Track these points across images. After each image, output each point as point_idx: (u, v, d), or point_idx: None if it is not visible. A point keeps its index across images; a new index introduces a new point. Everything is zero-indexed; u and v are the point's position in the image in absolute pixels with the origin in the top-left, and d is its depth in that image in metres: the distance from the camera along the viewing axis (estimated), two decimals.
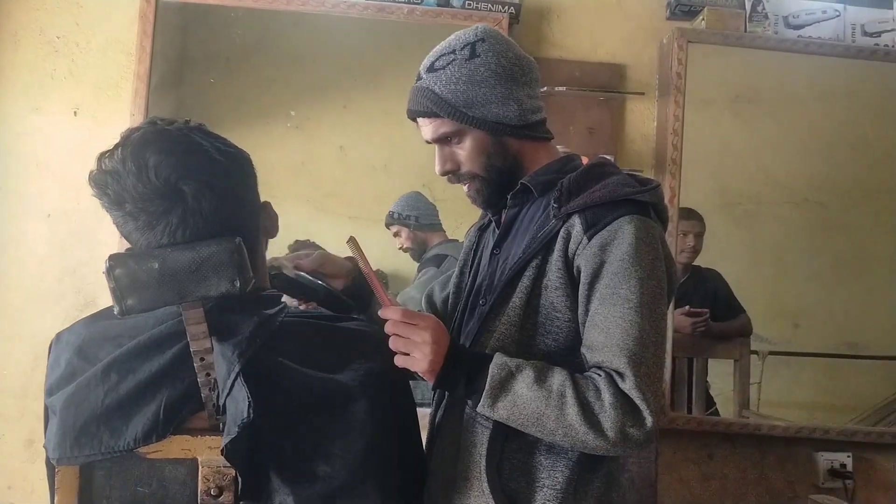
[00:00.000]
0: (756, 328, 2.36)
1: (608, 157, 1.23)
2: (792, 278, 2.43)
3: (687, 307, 2.29)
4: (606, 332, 1.00)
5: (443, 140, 1.15)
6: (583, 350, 1.04)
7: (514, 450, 1.06)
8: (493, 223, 1.24)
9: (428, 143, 1.18)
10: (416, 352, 1.00)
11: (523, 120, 1.14)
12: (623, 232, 1.03)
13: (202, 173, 0.91)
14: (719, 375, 2.41)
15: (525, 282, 1.07)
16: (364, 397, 0.94)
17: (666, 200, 2.17)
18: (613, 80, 2.30)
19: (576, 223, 1.06)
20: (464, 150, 1.15)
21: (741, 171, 2.41)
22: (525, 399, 0.99)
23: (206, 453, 0.92)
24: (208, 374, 0.91)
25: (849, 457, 2.26)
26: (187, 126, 0.95)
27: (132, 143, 0.90)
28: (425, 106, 1.12)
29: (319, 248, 1.89)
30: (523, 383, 0.99)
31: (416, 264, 2.27)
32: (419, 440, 1.11)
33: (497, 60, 1.11)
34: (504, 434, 1.05)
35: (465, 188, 1.20)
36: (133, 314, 0.90)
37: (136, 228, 0.91)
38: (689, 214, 2.31)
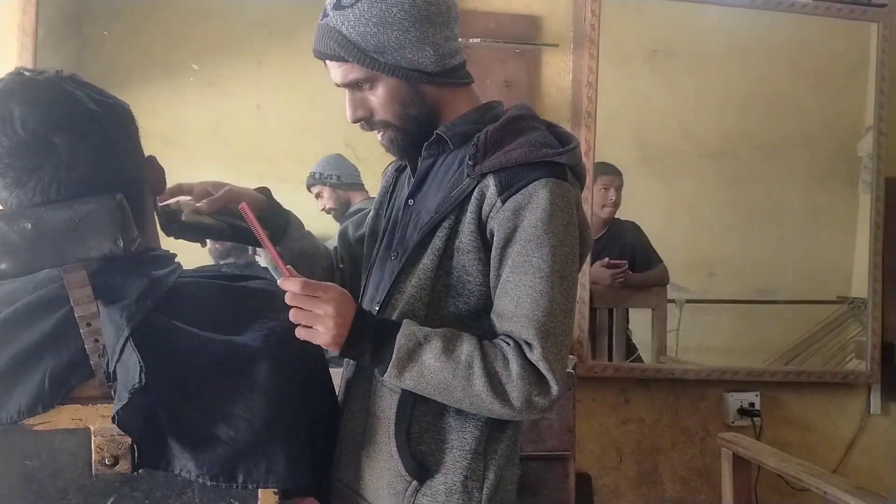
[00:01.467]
0: (674, 278, 2.43)
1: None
2: (708, 229, 2.51)
3: (606, 259, 2.34)
4: (517, 301, 1.00)
5: (353, 85, 1.08)
6: (493, 317, 1.04)
7: (424, 413, 1.05)
8: (409, 169, 1.19)
9: (338, 86, 1.11)
10: (318, 325, 0.96)
11: (441, 65, 1.07)
12: (538, 196, 1.00)
13: (75, 124, 0.85)
14: (640, 324, 2.49)
15: (437, 243, 1.04)
16: (267, 358, 0.91)
17: (582, 154, 2.22)
18: (529, 32, 2.29)
19: (490, 184, 1.02)
20: (376, 98, 1.08)
21: (660, 126, 2.46)
22: (432, 370, 0.98)
23: (99, 422, 0.88)
24: (96, 341, 0.87)
25: (757, 396, 2.39)
26: (58, 75, 0.88)
27: None
28: (332, 49, 1.04)
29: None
30: (431, 354, 0.98)
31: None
32: (332, 398, 1.09)
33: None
34: (413, 398, 1.04)
35: (378, 136, 1.14)
36: (8, 279, 0.85)
37: (4, 186, 0.84)
38: (607, 169, 2.34)
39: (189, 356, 0.88)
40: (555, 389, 0.99)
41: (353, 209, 2.19)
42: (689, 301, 2.45)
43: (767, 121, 2.49)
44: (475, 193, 1.03)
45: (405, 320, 1.02)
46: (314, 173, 2.20)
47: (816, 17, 2.44)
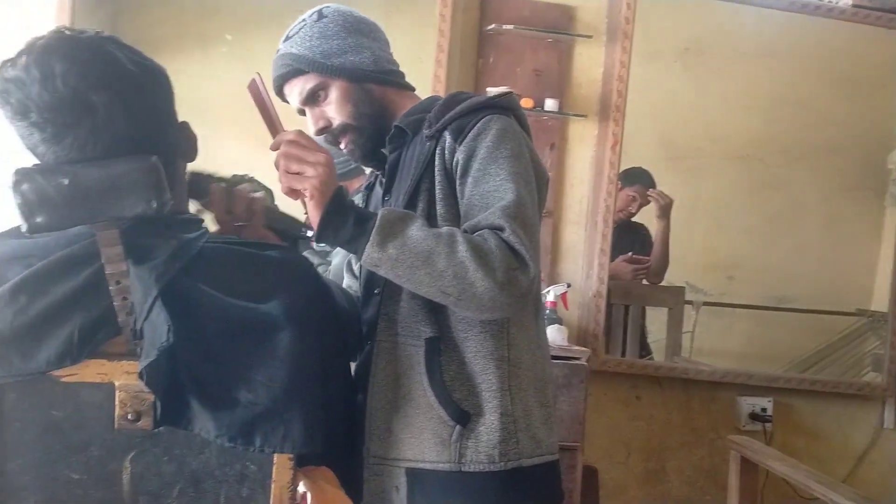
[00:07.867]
0: (692, 279, 2.43)
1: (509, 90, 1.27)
2: (729, 232, 2.50)
3: (630, 254, 2.37)
4: (484, 205, 1.05)
5: (311, 99, 1.20)
6: (464, 227, 1.06)
7: (449, 360, 1.10)
8: (379, 179, 1.28)
9: (300, 112, 1.22)
10: (309, 169, 1.01)
11: (380, 66, 1.22)
12: (487, 126, 1.10)
13: (114, 84, 0.86)
14: (655, 323, 2.49)
15: (421, 205, 1.12)
16: (289, 327, 0.92)
17: (608, 147, 2.23)
18: (562, 22, 2.28)
19: (447, 137, 1.12)
20: (331, 104, 1.20)
21: (686, 125, 2.45)
22: (416, 239, 1.00)
23: (123, 378, 0.90)
24: (125, 298, 0.88)
25: (769, 401, 2.38)
26: (98, 36, 0.90)
27: (37, 49, 0.85)
28: (287, 66, 1.18)
29: (259, 184, 1.83)
30: (414, 226, 1.01)
31: None
32: (346, 374, 1.11)
33: (343, 18, 1.21)
34: (438, 348, 1.09)
35: (342, 146, 1.23)
36: (42, 232, 0.86)
37: (42, 140, 0.86)
38: (643, 181, 2.38)
39: (213, 319, 0.89)
40: (532, 267, 1.00)
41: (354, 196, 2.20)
42: (706, 303, 2.45)
43: (794, 126, 2.47)
44: (437, 151, 1.13)
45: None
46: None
47: (850, 23, 2.41)
